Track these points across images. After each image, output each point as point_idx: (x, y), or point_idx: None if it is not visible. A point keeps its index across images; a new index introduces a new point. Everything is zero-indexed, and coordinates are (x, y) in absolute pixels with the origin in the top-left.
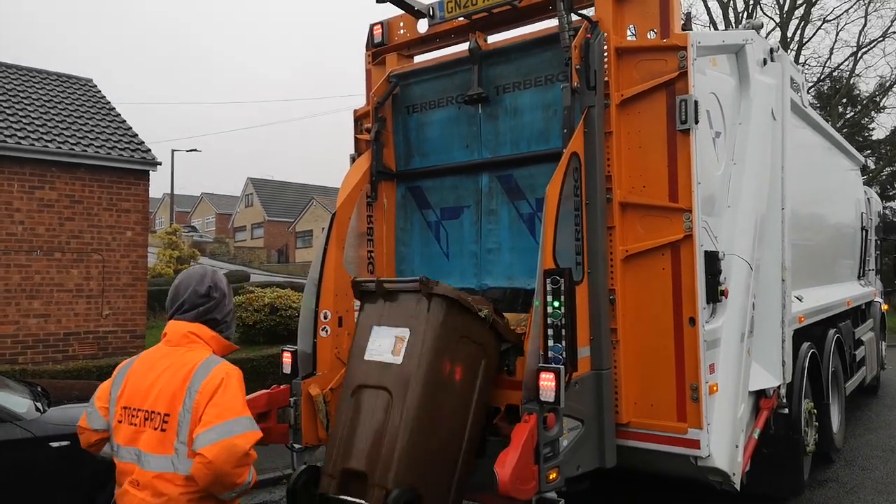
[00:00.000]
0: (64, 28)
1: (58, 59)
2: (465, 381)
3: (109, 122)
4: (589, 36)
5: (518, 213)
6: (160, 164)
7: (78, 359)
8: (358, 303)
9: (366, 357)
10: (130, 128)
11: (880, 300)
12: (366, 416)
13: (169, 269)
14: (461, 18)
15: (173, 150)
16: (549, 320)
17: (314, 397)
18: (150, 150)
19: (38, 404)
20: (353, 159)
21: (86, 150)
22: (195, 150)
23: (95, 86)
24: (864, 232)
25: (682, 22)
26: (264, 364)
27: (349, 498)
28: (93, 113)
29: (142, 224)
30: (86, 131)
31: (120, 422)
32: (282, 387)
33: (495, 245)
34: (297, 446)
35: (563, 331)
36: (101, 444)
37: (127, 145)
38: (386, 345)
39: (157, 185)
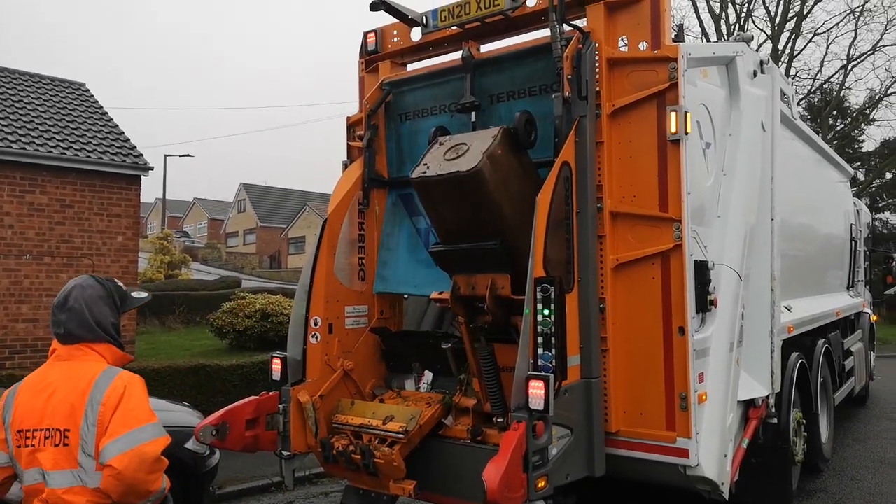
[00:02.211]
0: (74, 31)
1: (63, 62)
2: None
3: (101, 126)
4: (581, 47)
5: None
6: (152, 168)
7: None
8: (348, 308)
9: None
10: (123, 132)
11: (869, 311)
12: None
13: (160, 274)
14: (454, 27)
15: (166, 156)
16: (539, 328)
17: (303, 404)
18: (141, 154)
19: None
20: (345, 166)
21: (77, 155)
22: (188, 155)
23: (88, 90)
24: (853, 243)
25: (675, 33)
26: (254, 370)
27: None
28: (85, 118)
29: (133, 229)
30: (77, 135)
31: (19, 447)
32: (271, 393)
33: None
34: (285, 453)
35: (553, 339)
36: (8, 483)
37: (119, 150)
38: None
39: (150, 189)
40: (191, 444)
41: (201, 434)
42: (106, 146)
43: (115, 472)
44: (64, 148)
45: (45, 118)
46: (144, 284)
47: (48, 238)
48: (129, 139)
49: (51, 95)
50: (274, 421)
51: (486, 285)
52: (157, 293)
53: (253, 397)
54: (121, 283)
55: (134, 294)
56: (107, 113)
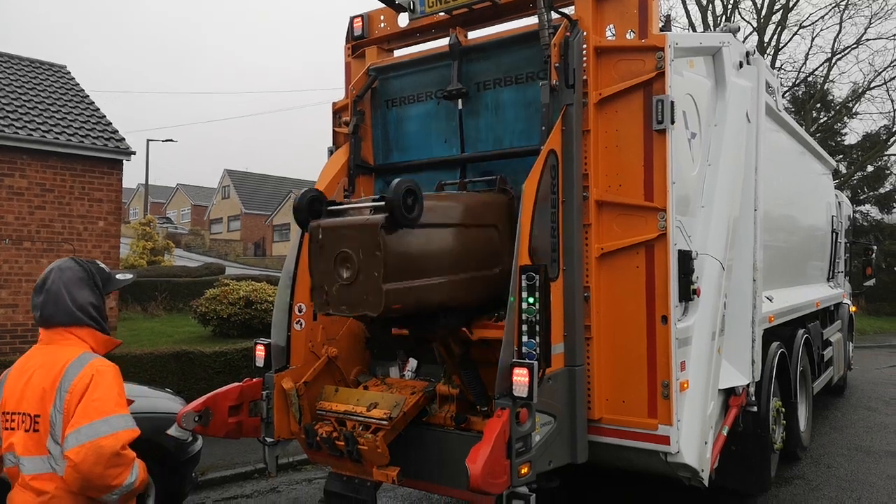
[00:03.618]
0: (55, 15)
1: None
2: None
3: (83, 109)
4: (568, 34)
5: None
6: (134, 153)
7: None
8: None
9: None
10: (104, 116)
11: (849, 302)
12: None
13: (143, 260)
14: (442, 14)
15: (148, 140)
16: (524, 316)
17: (287, 391)
18: (123, 138)
19: None
20: (330, 152)
21: (58, 138)
22: (171, 140)
23: (69, 72)
24: (834, 235)
25: (662, 24)
26: (238, 357)
27: None
28: (66, 100)
29: (114, 214)
30: (58, 118)
31: (4, 429)
32: (254, 380)
33: None
34: (269, 440)
35: (538, 327)
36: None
37: (100, 134)
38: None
39: (132, 175)
40: (173, 431)
41: (184, 420)
42: (87, 130)
43: (71, 464)
44: (44, 131)
45: (24, 101)
46: (126, 270)
47: (28, 223)
48: (110, 123)
49: (31, 77)
50: (257, 407)
51: (440, 344)
52: (140, 280)
53: (236, 384)
54: (104, 265)
55: (119, 276)
56: (88, 96)
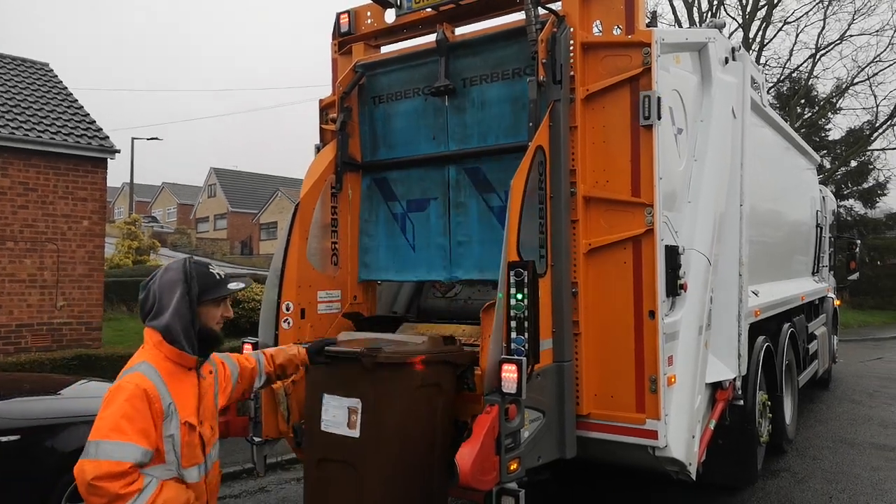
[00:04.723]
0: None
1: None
2: (428, 427)
3: (66, 107)
4: (555, 30)
5: (488, 206)
6: (118, 151)
7: (31, 351)
8: (321, 294)
9: (322, 428)
10: (88, 114)
11: (833, 296)
12: (333, 490)
13: (128, 259)
14: (428, 9)
15: (133, 138)
16: (512, 312)
17: (275, 390)
18: (107, 136)
19: None
20: (317, 149)
21: (41, 136)
22: (156, 138)
23: (52, 70)
24: (818, 229)
25: (648, 20)
26: None
27: None
28: (48, 98)
29: (99, 213)
30: (41, 117)
31: None
32: None
33: (465, 238)
34: (256, 439)
35: (526, 323)
36: None
37: (84, 132)
38: (340, 416)
39: (117, 173)
40: None
41: None
42: (71, 128)
43: None
44: (27, 129)
45: (6, 98)
46: (112, 270)
47: (11, 222)
48: (94, 121)
49: (12, 75)
50: (245, 407)
51: None
52: (125, 279)
53: None
54: (217, 271)
55: (231, 285)
56: (71, 94)
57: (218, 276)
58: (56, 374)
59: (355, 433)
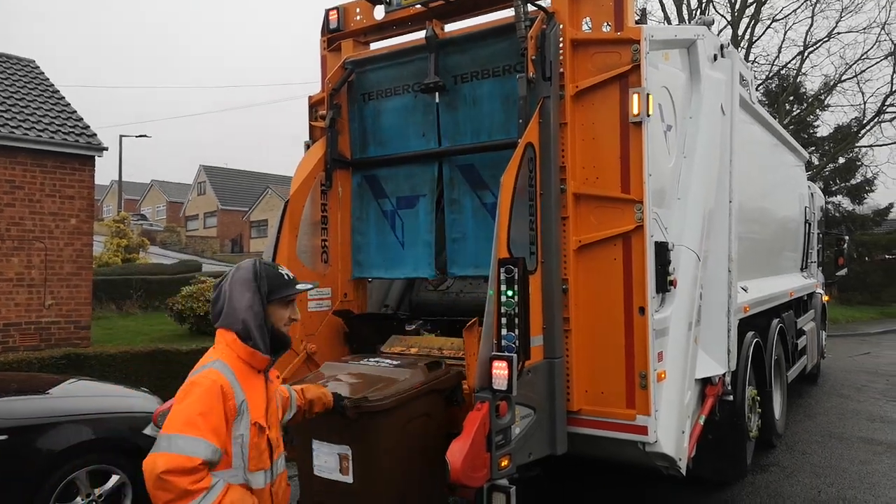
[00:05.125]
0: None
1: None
2: (423, 455)
3: (53, 104)
4: (545, 27)
5: (482, 203)
6: (106, 149)
7: (18, 350)
8: (311, 291)
9: (315, 473)
10: (75, 111)
11: (822, 291)
12: None
13: (117, 258)
14: (418, 6)
15: (121, 136)
16: (503, 309)
17: None
18: (95, 134)
19: None
20: (307, 147)
21: (27, 134)
22: (144, 135)
23: (38, 67)
24: (807, 226)
25: (638, 17)
26: None
27: None
28: (35, 95)
29: (87, 211)
30: (27, 114)
31: None
32: None
33: (460, 234)
34: None
35: (517, 320)
36: None
37: (71, 129)
38: (332, 462)
39: (106, 171)
40: (149, 430)
41: (160, 419)
42: (58, 125)
43: None
44: (13, 127)
45: None
46: (100, 268)
47: None
48: (81, 118)
49: None
50: None
51: None
52: (114, 277)
53: None
54: (285, 271)
55: (299, 286)
56: (58, 91)
57: (286, 277)
58: (44, 373)
59: (349, 479)
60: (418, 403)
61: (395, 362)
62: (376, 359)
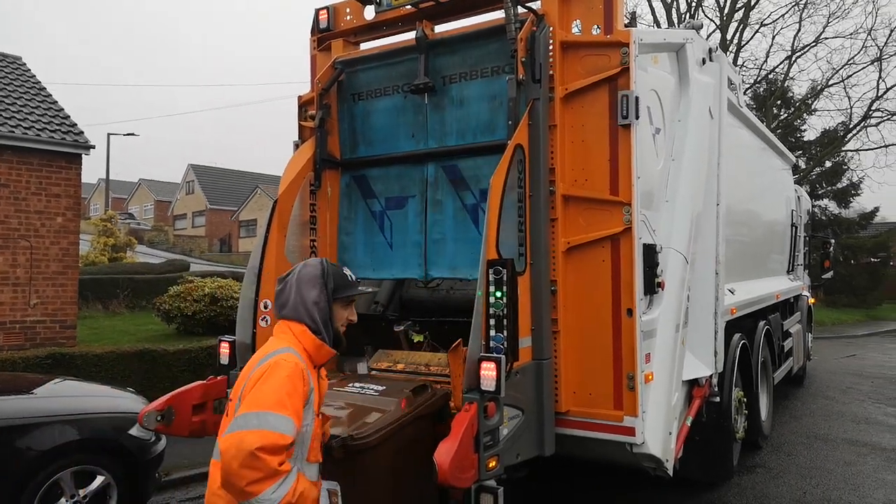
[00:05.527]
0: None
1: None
2: (415, 476)
3: (39, 102)
4: (535, 29)
5: (462, 204)
6: (93, 147)
7: (3, 350)
8: None
9: None
10: (62, 109)
11: (808, 294)
12: None
13: (104, 256)
14: (408, 6)
15: (109, 134)
16: (491, 310)
17: None
18: (82, 132)
19: None
20: (296, 146)
21: (13, 132)
22: (132, 134)
23: (25, 64)
24: (793, 229)
25: (627, 20)
26: (203, 355)
27: None
28: (21, 93)
29: (73, 210)
30: (13, 111)
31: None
32: (219, 378)
33: (440, 235)
34: None
35: (505, 321)
36: None
37: (58, 127)
38: (323, 499)
39: (93, 170)
40: (135, 430)
41: (145, 420)
42: (44, 123)
43: (220, 452)
44: None
45: None
46: (87, 267)
47: None
48: (68, 116)
49: None
50: (222, 405)
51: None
52: (101, 276)
53: (200, 382)
54: (348, 272)
55: (361, 288)
56: (45, 88)
57: (350, 278)
58: (29, 373)
59: None
60: (406, 432)
61: (380, 387)
62: (360, 384)
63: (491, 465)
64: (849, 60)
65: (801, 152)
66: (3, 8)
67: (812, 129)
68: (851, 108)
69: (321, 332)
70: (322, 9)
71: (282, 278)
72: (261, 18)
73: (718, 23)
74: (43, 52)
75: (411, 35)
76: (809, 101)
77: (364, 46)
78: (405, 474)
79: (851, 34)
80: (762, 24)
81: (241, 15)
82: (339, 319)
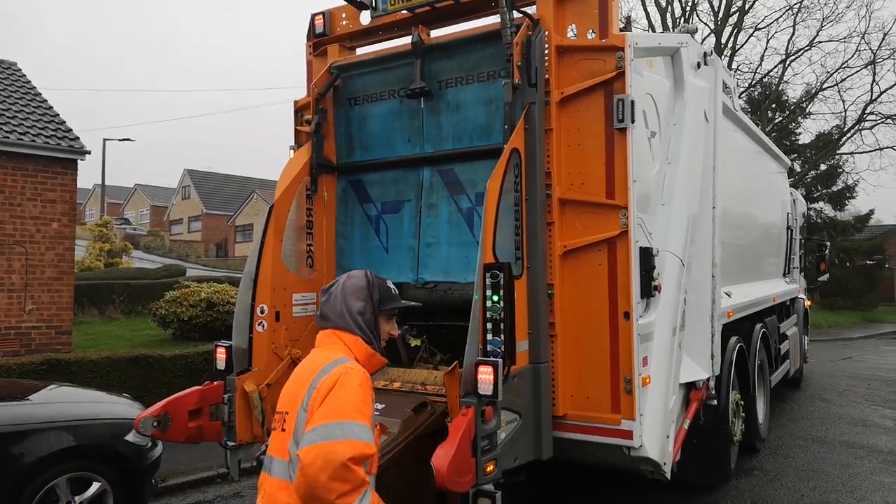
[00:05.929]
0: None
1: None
2: (422, 491)
3: (34, 108)
4: (531, 33)
5: (458, 208)
6: (89, 152)
7: None
8: (296, 296)
9: None
10: (58, 114)
11: (804, 297)
12: None
13: (99, 262)
14: (404, 11)
15: (105, 139)
16: (489, 314)
17: (249, 393)
18: (77, 137)
19: None
20: (293, 151)
21: (8, 137)
22: (128, 139)
23: (20, 69)
24: (789, 231)
25: (622, 25)
26: (199, 361)
27: None
28: (16, 98)
29: (69, 215)
30: (8, 117)
31: (272, 429)
32: (215, 383)
33: (434, 239)
34: (230, 444)
35: (502, 325)
36: None
37: (53, 133)
38: None
39: (88, 175)
40: (131, 437)
41: (141, 425)
42: (39, 128)
43: (301, 466)
44: None
45: None
46: (82, 273)
47: None
48: (64, 121)
49: None
50: (218, 411)
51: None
52: (96, 282)
53: (196, 387)
54: (392, 285)
55: (405, 302)
56: (40, 94)
57: (394, 291)
58: (24, 379)
59: None
60: (407, 454)
61: (379, 405)
62: None
63: (489, 470)
64: (843, 64)
65: (796, 156)
66: (6, 8)
67: (807, 132)
68: (846, 111)
69: (372, 343)
70: (318, 14)
71: (325, 289)
72: (261, 18)
73: (713, 27)
74: (43, 53)
75: (407, 40)
76: (804, 105)
77: (360, 51)
78: (409, 490)
79: (845, 38)
80: (756, 29)
81: (240, 15)
82: (382, 333)
